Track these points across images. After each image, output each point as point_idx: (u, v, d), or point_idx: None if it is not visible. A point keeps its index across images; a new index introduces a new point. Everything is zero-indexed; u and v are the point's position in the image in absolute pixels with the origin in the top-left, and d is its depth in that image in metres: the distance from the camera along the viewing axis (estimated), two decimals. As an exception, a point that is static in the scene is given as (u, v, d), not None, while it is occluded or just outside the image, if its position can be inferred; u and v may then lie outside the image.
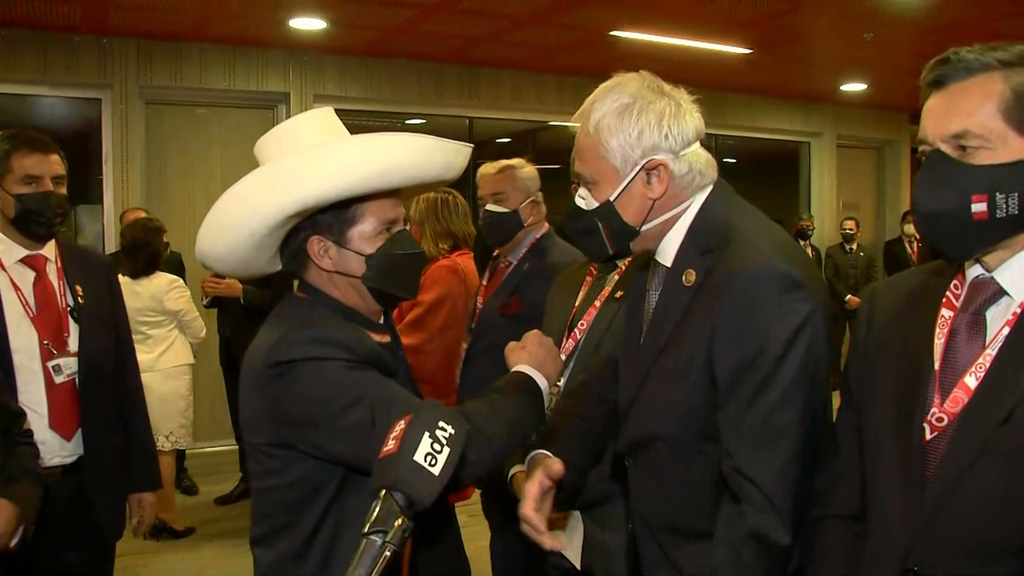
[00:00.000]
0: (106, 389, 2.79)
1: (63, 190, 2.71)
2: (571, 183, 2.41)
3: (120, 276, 5.04)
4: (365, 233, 1.74)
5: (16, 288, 2.65)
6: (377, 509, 1.16)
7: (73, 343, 2.72)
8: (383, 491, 1.17)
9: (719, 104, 9.08)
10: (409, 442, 1.20)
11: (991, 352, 1.34)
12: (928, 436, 1.37)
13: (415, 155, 1.71)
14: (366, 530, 1.14)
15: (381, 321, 1.87)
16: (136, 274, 5.07)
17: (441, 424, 1.22)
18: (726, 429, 1.56)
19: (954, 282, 1.45)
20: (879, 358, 1.52)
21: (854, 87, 9.41)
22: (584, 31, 6.91)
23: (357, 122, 7.83)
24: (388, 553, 1.13)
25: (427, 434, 1.20)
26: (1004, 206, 1.30)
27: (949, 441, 1.35)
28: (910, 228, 10.57)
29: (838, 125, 10.47)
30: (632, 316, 1.86)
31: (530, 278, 2.99)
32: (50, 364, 2.65)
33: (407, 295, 1.86)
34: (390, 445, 1.21)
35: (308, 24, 6.61)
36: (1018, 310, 1.35)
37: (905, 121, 11.16)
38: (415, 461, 1.18)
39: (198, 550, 5.16)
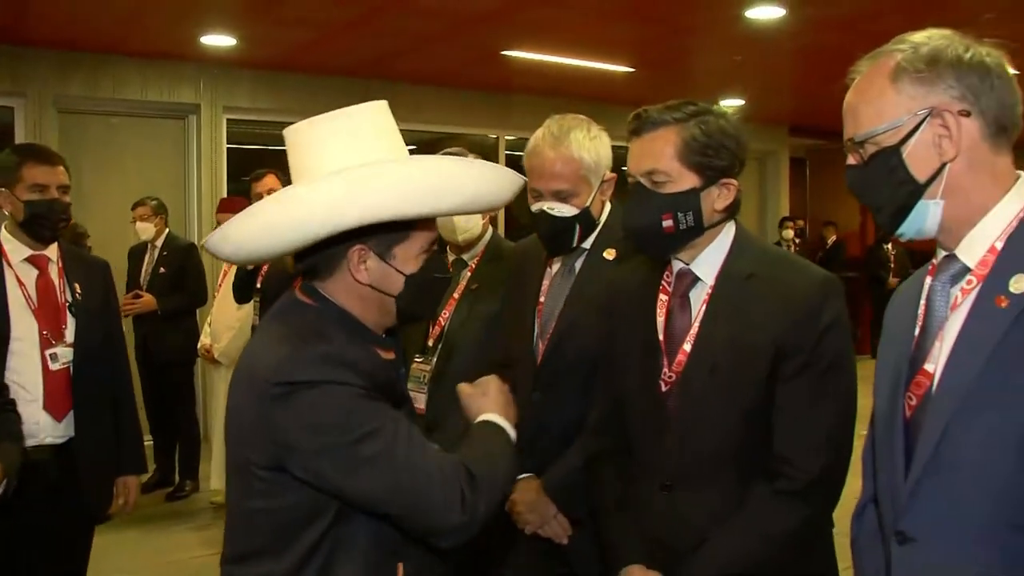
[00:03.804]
0: (97, 378, 3.05)
1: (67, 198, 3.04)
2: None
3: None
4: (411, 252, 1.67)
5: (20, 283, 2.95)
6: None
7: (70, 335, 3.01)
8: None
9: (606, 116, 9.45)
10: None
11: (697, 324, 1.89)
12: (663, 389, 1.90)
13: (503, 184, 1.72)
14: None
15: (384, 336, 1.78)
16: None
17: None
18: None
19: (666, 272, 1.99)
20: (624, 334, 2.04)
21: (732, 102, 10.02)
22: (478, 51, 7.37)
23: (265, 131, 8.22)
24: None
25: None
26: (684, 220, 1.84)
27: (678, 392, 1.88)
28: (788, 233, 11.37)
29: (722, 137, 11.13)
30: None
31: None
32: (48, 352, 2.93)
33: (429, 317, 1.86)
34: None
35: (218, 41, 6.93)
36: (710, 290, 1.90)
37: (784, 133, 11.86)
38: None
39: (115, 533, 5.47)
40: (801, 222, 12.16)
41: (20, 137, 7.14)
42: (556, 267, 2.48)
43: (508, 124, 9.19)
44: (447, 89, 8.82)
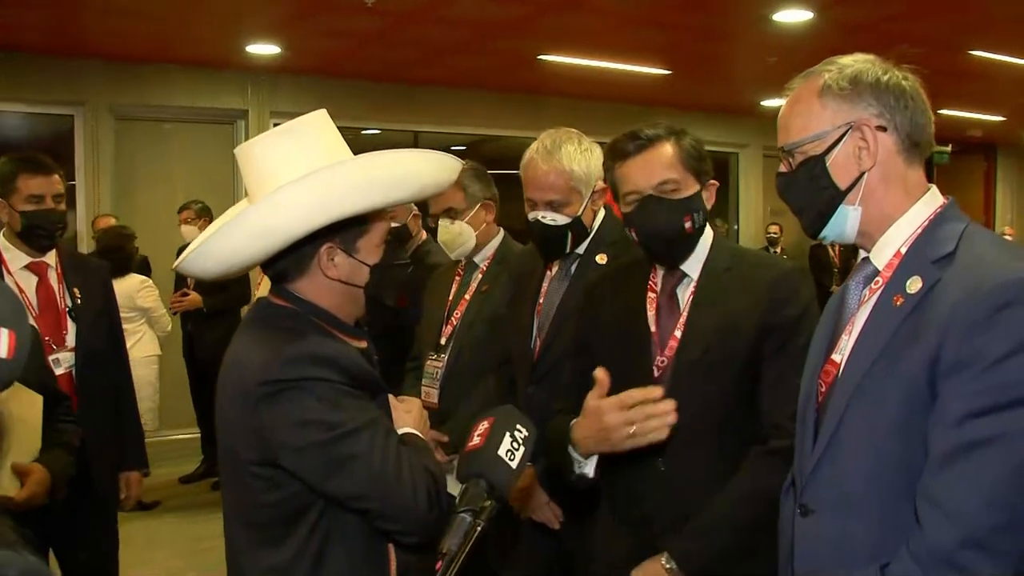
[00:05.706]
0: (100, 379, 3.10)
1: (63, 206, 3.03)
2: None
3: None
4: (371, 243, 1.77)
5: (21, 291, 2.93)
6: (467, 492, 1.35)
7: (71, 340, 3.05)
8: (471, 479, 1.38)
9: (646, 117, 9.53)
10: (493, 439, 1.41)
11: (684, 316, 2.06)
12: (656, 374, 2.06)
13: (443, 170, 1.83)
14: (458, 509, 1.33)
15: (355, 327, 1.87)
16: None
17: (518, 427, 1.45)
18: None
19: (652, 272, 2.15)
20: (602, 326, 2.20)
21: (774, 102, 10.02)
22: (514, 56, 7.55)
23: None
24: (479, 528, 1.31)
25: (507, 434, 1.42)
26: (698, 220, 2.02)
27: (670, 374, 2.04)
28: (830, 232, 11.34)
29: (763, 137, 11.03)
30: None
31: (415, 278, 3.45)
32: (51, 358, 2.94)
33: (394, 304, 1.92)
34: (476, 441, 1.43)
35: (264, 49, 7.21)
36: (695, 287, 2.07)
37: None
38: (498, 455, 1.39)
39: (161, 518, 5.85)
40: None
41: (80, 142, 7.56)
42: (554, 271, 2.66)
43: (546, 126, 9.23)
44: (485, 92, 9.02)
